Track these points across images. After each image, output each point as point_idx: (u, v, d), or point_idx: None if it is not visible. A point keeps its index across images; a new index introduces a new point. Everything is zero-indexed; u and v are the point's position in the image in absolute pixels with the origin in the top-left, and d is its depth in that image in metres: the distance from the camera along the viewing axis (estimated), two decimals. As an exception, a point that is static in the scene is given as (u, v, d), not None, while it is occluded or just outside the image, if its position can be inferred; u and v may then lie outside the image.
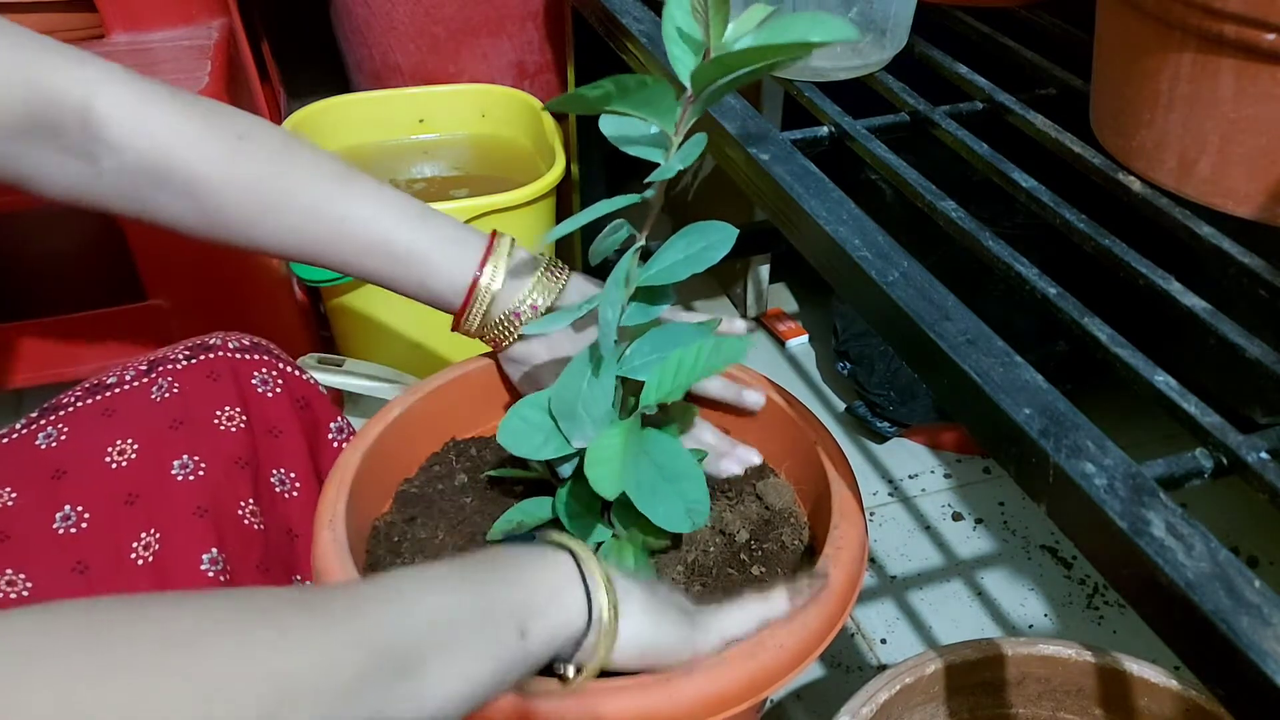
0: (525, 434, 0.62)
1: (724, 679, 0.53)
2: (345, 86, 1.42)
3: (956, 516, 1.14)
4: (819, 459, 0.67)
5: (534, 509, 0.67)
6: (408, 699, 0.40)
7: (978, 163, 0.66)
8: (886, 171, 0.65)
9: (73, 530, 0.60)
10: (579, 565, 0.50)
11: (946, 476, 1.20)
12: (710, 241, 0.58)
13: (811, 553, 0.68)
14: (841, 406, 1.28)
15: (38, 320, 1.07)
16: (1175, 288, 0.53)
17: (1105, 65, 0.63)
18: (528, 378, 0.69)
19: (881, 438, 1.23)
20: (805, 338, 1.40)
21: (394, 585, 0.43)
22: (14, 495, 0.60)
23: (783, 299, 1.49)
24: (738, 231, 0.58)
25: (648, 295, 0.60)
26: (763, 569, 0.66)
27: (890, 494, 1.17)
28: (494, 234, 0.66)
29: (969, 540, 1.11)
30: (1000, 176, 0.64)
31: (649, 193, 0.56)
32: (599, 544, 0.65)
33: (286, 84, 1.58)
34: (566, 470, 0.64)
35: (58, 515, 0.61)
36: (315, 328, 1.25)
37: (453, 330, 0.67)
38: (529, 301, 0.65)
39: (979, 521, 1.13)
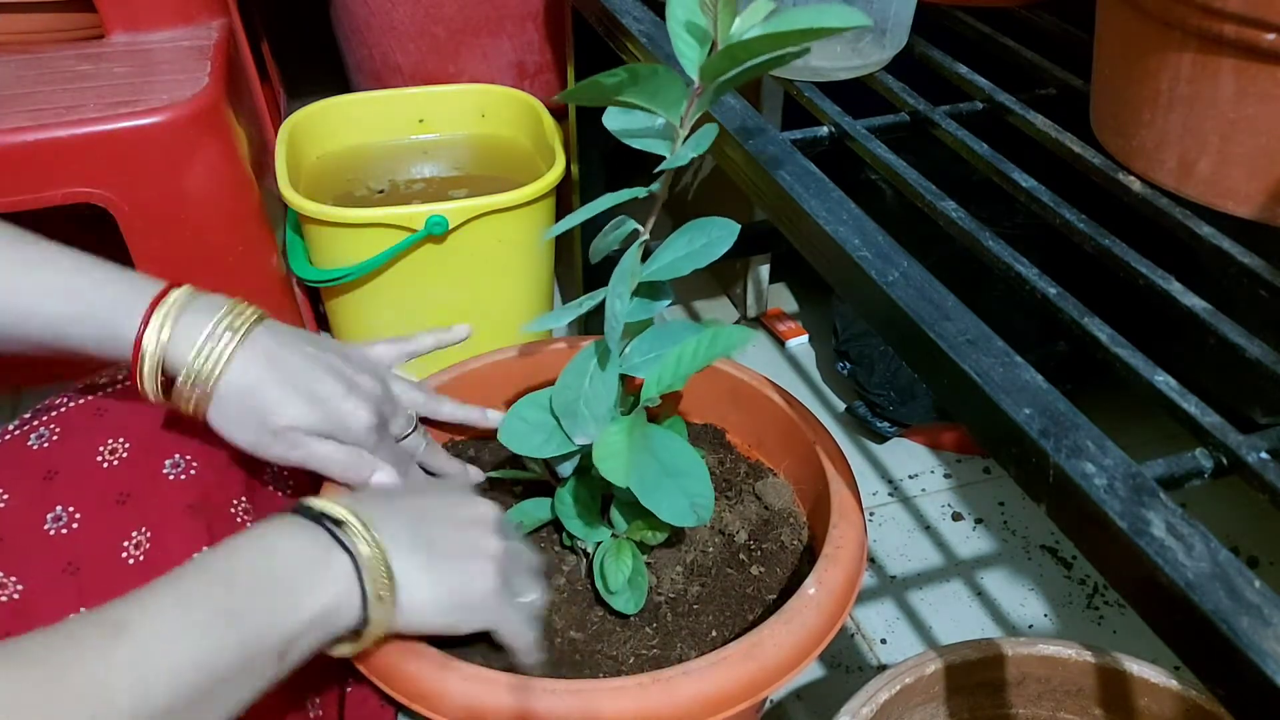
0: (526, 433, 0.62)
1: (723, 679, 0.53)
2: (345, 86, 1.42)
3: (956, 516, 1.14)
4: (818, 459, 0.67)
5: (533, 509, 0.67)
6: None
7: (978, 163, 0.66)
8: (886, 171, 0.65)
9: (64, 531, 0.60)
10: (356, 566, 0.52)
11: (946, 476, 1.19)
12: (711, 238, 0.58)
13: (811, 552, 0.68)
14: (841, 406, 1.28)
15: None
16: (1175, 288, 0.53)
17: (1105, 65, 0.63)
18: (251, 410, 0.59)
19: (881, 438, 1.23)
20: (805, 338, 1.40)
21: (145, 639, 0.44)
22: (5, 496, 0.60)
23: (783, 299, 1.49)
24: (739, 227, 0.58)
25: (648, 291, 0.60)
26: (762, 569, 0.66)
27: (890, 494, 1.17)
28: (168, 285, 0.60)
29: (969, 540, 1.11)
30: (1000, 176, 0.64)
31: (655, 185, 0.56)
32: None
33: (286, 84, 1.58)
34: (566, 470, 0.64)
35: (49, 516, 0.60)
36: (314, 327, 1.25)
37: (154, 400, 0.60)
38: (209, 346, 0.58)
39: (979, 521, 1.13)
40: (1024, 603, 1.04)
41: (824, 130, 0.70)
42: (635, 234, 0.57)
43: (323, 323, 1.26)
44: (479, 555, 0.58)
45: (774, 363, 1.37)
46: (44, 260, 0.58)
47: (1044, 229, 0.61)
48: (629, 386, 0.64)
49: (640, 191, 0.56)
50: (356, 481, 0.62)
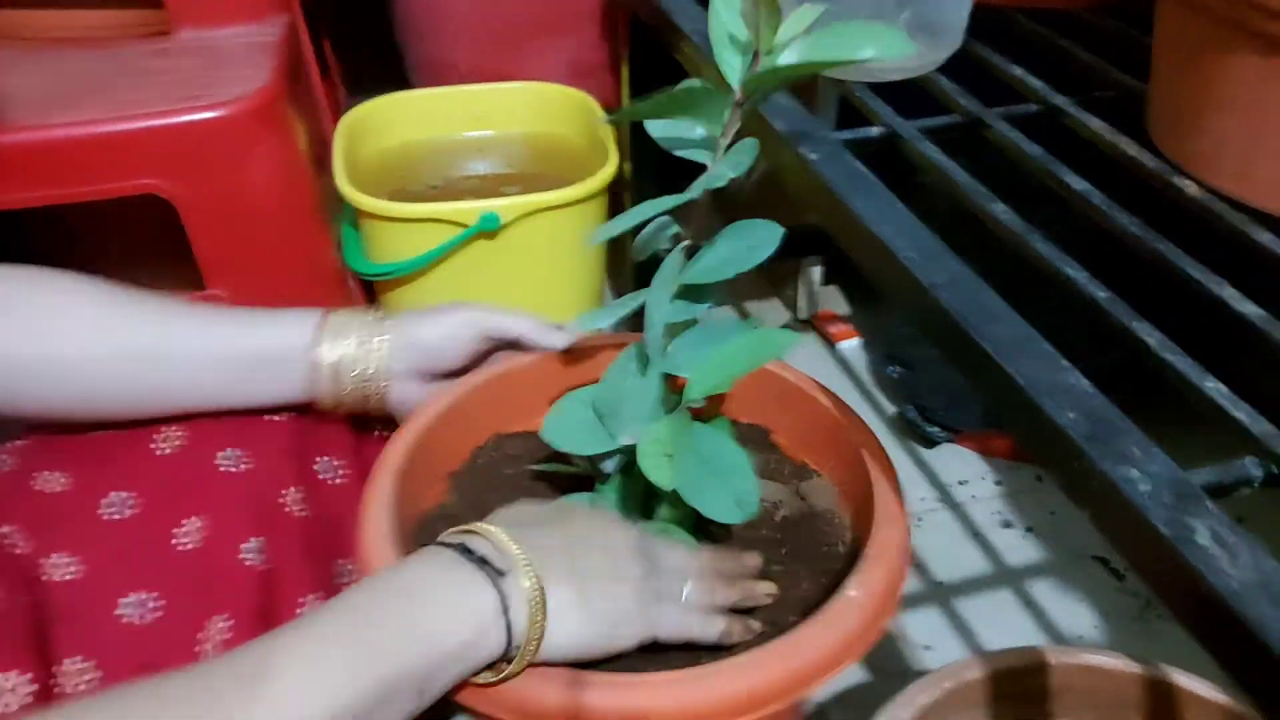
0: (569, 430, 0.62)
1: (760, 678, 0.53)
2: (405, 83, 1.44)
3: (1006, 524, 1.13)
4: (863, 462, 0.67)
5: (576, 503, 0.67)
6: None
7: (1029, 165, 0.65)
8: (935, 173, 0.65)
9: (116, 517, 0.62)
10: (503, 600, 0.50)
11: (997, 483, 1.18)
12: (754, 241, 0.58)
13: (853, 555, 0.67)
14: (892, 411, 1.27)
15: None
16: (1230, 293, 0.52)
17: (1164, 68, 0.62)
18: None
19: (932, 443, 1.22)
20: (857, 340, 1.39)
21: (284, 689, 0.43)
22: (66, 480, 0.62)
23: (835, 301, 1.48)
24: (783, 231, 0.58)
25: (692, 293, 0.60)
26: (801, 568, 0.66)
27: (939, 500, 1.16)
28: (324, 311, 0.68)
29: (1018, 548, 1.10)
30: (1052, 179, 0.63)
31: (695, 193, 0.56)
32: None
33: (347, 80, 1.60)
34: (609, 466, 0.65)
35: (103, 502, 0.62)
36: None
37: (323, 408, 0.70)
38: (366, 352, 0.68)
39: (1029, 529, 1.12)
40: (1074, 614, 1.02)
41: (875, 131, 0.70)
42: (679, 236, 0.58)
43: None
44: (624, 579, 0.55)
45: (823, 365, 1.36)
46: (206, 324, 0.67)
47: (1097, 233, 0.61)
48: (673, 384, 0.64)
49: (686, 197, 0.56)
50: None
